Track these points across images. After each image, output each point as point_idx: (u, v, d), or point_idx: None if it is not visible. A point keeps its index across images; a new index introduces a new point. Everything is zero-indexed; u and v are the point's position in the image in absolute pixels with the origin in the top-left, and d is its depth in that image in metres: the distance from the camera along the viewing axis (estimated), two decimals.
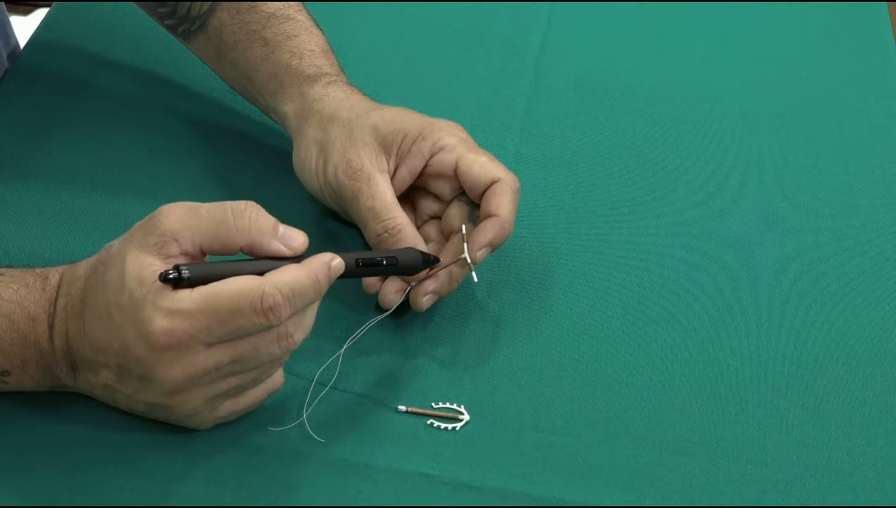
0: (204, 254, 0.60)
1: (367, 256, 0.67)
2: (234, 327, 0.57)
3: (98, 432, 0.65)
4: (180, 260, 0.59)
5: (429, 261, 0.69)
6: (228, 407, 0.63)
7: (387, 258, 0.67)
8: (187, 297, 0.57)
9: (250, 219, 0.60)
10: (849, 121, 0.92)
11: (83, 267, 0.62)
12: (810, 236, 0.82)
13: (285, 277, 0.59)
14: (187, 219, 0.59)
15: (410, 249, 0.69)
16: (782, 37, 1.01)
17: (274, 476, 0.64)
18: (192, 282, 0.58)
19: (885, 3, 1.05)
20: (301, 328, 0.61)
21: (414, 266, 0.69)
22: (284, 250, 0.61)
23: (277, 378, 0.65)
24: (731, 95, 0.94)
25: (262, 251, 0.60)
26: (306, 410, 0.66)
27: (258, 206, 0.61)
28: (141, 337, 0.57)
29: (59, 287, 0.62)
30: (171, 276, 0.57)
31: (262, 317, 0.58)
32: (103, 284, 0.59)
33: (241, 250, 0.60)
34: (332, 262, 0.61)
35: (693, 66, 0.97)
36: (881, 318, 0.76)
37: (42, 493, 0.62)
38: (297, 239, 0.61)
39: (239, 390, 0.62)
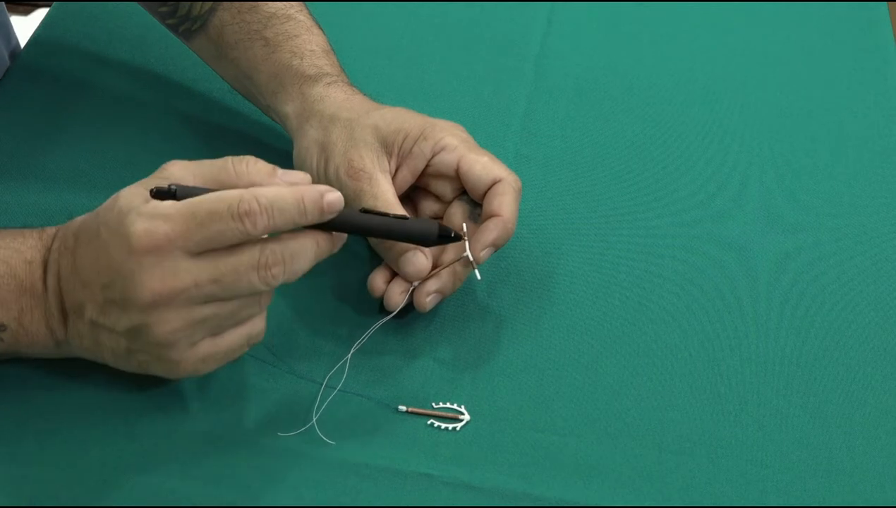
0: None
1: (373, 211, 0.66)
2: (212, 231, 0.58)
3: (97, 429, 0.65)
4: None
5: (447, 236, 0.67)
6: (207, 347, 0.62)
7: (396, 215, 0.66)
8: (169, 204, 0.59)
9: (248, 164, 0.62)
10: (849, 121, 0.92)
11: (81, 216, 0.64)
12: (811, 235, 0.82)
13: (266, 189, 0.60)
14: (190, 167, 0.62)
15: (427, 219, 0.68)
16: (782, 37, 1.01)
17: (274, 476, 0.64)
18: (180, 198, 0.60)
19: (885, 3, 1.05)
20: (283, 267, 0.60)
21: (426, 235, 0.67)
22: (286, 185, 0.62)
23: (258, 323, 0.64)
24: (732, 95, 0.94)
25: None
26: (316, 414, 0.67)
27: (257, 158, 0.63)
28: (123, 242, 0.58)
29: (55, 235, 0.64)
30: (161, 190, 0.60)
31: (238, 222, 0.58)
32: (97, 215, 0.62)
33: None
34: (327, 193, 0.61)
35: (693, 66, 0.97)
36: (881, 318, 0.76)
37: (42, 493, 0.62)
38: (297, 175, 0.63)
39: (218, 323, 0.62)
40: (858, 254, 0.80)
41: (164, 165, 0.62)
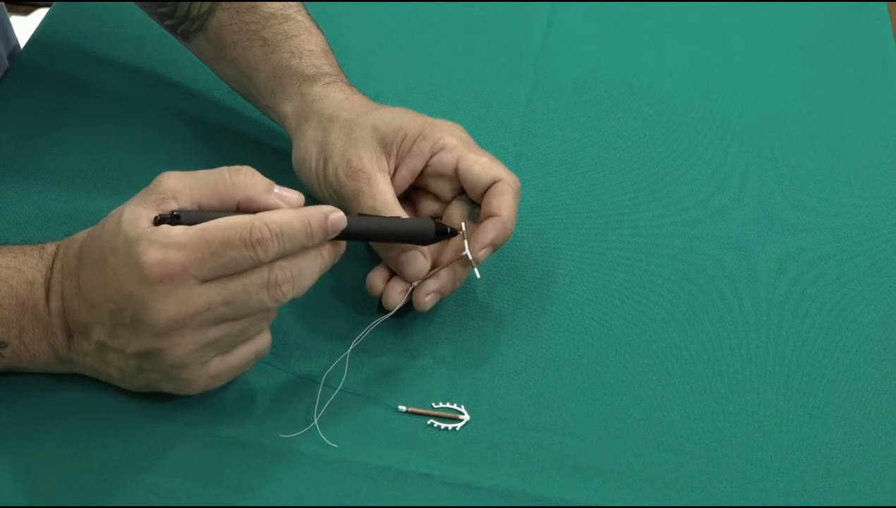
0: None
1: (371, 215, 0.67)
2: (225, 259, 0.59)
3: (98, 430, 0.65)
4: None
5: (444, 233, 0.68)
6: (217, 365, 0.63)
7: (392, 217, 0.67)
8: (181, 231, 0.59)
9: (246, 176, 0.62)
10: (849, 121, 0.92)
11: (80, 233, 0.64)
12: (810, 236, 0.82)
13: (276, 215, 0.60)
14: (186, 179, 0.61)
15: (425, 218, 0.69)
16: (782, 37, 1.01)
17: (274, 476, 0.64)
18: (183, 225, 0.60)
19: (885, 3, 1.05)
20: (293, 283, 0.61)
21: (424, 234, 0.68)
22: (280, 204, 0.62)
23: (265, 338, 0.65)
24: (731, 95, 0.94)
25: (258, 206, 0.62)
26: (317, 415, 0.67)
27: (254, 169, 0.63)
28: (134, 271, 0.58)
29: (55, 253, 0.64)
30: (165, 218, 0.59)
31: (251, 250, 0.59)
32: (99, 238, 0.61)
33: (238, 206, 0.62)
34: (330, 213, 0.62)
35: (693, 65, 0.97)
36: (881, 318, 0.76)
37: (43, 494, 0.62)
38: (292, 194, 0.63)
39: (229, 341, 0.63)
40: (858, 255, 0.80)
41: (158, 178, 0.61)
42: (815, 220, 0.83)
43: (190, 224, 0.60)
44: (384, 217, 0.68)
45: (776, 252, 0.80)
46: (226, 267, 0.59)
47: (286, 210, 0.61)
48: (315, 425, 0.66)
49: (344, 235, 0.63)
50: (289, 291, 0.61)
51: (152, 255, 0.58)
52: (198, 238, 0.58)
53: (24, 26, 0.95)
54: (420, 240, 0.68)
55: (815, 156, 0.89)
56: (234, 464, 0.64)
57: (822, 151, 0.89)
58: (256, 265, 0.60)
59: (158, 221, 0.59)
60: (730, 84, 0.95)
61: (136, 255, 0.58)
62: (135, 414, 0.65)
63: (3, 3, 0.94)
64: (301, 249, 0.61)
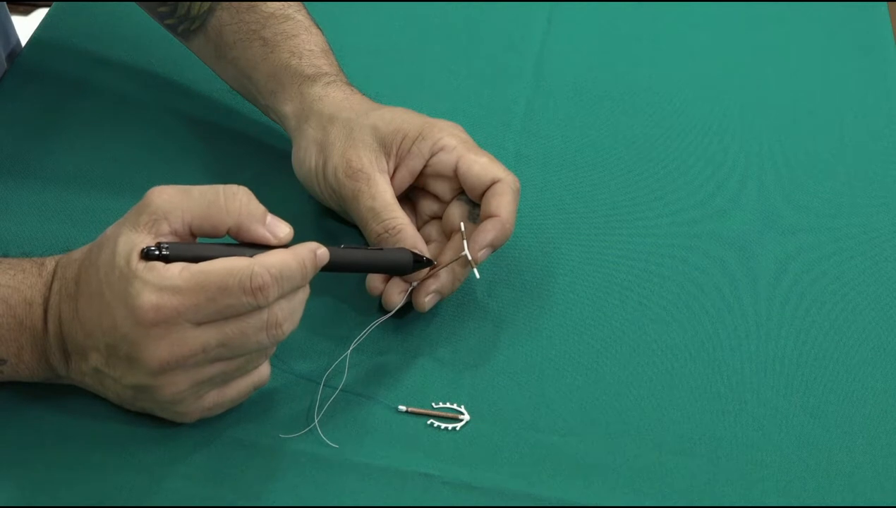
0: (193, 234, 0.61)
1: (351, 246, 0.67)
2: (222, 305, 0.58)
3: (95, 427, 0.65)
4: (170, 240, 0.59)
5: (421, 263, 0.69)
6: (213, 398, 0.63)
7: (372, 247, 0.68)
8: (177, 274, 0.57)
9: (241, 203, 0.61)
10: (849, 121, 0.92)
11: (78, 252, 0.63)
12: (810, 236, 0.82)
13: (274, 259, 0.59)
14: (177, 199, 0.60)
15: (401, 249, 0.69)
16: (782, 37, 1.01)
17: (273, 476, 0.64)
18: (173, 260, 0.58)
19: (885, 3, 1.05)
20: (290, 319, 0.61)
21: (403, 265, 0.68)
22: (270, 238, 0.61)
23: (263, 371, 0.64)
24: (732, 95, 0.94)
25: (248, 235, 0.61)
26: (318, 416, 0.66)
27: (249, 192, 0.62)
28: (129, 312, 0.57)
29: (54, 272, 0.63)
30: (152, 252, 0.58)
31: (251, 296, 0.58)
32: (96, 265, 0.60)
33: (229, 232, 0.61)
34: (317, 250, 0.62)
35: (693, 66, 0.97)
36: (881, 318, 0.76)
37: (39, 491, 0.62)
38: (283, 229, 0.62)
39: (224, 378, 0.62)
40: (858, 255, 0.80)
41: (149, 193, 0.60)
42: (815, 220, 0.83)
43: (178, 256, 0.58)
44: (363, 248, 0.68)
45: (776, 252, 0.80)
46: (222, 312, 0.58)
47: (280, 251, 0.60)
48: (315, 425, 0.66)
49: (326, 267, 0.63)
50: (288, 329, 0.61)
51: (146, 299, 0.57)
52: (194, 283, 0.57)
53: (24, 26, 0.95)
54: (399, 270, 0.69)
55: (815, 156, 0.89)
56: (234, 464, 0.64)
57: (822, 151, 0.89)
58: (254, 309, 0.59)
59: (146, 254, 0.58)
60: (730, 84, 0.95)
61: (130, 297, 0.57)
62: (134, 414, 0.65)
63: (3, 3, 0.94)
64: (296, 289, 0.61)
